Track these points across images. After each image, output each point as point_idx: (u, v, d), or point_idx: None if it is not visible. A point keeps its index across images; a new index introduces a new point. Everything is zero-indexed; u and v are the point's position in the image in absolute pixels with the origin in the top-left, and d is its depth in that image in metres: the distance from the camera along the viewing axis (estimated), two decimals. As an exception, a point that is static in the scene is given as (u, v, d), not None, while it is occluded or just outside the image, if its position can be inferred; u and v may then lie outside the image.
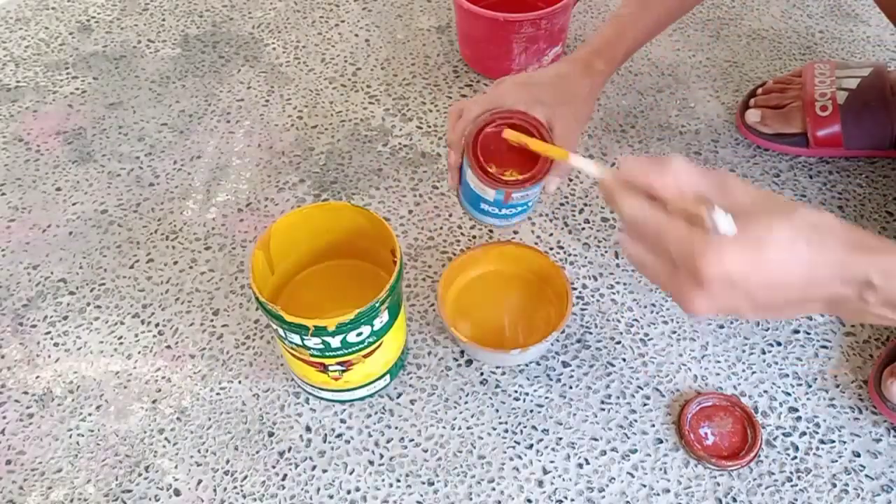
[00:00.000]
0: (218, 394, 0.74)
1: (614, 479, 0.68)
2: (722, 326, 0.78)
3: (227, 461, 0.70)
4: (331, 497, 0.68)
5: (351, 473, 0.69)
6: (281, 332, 0.64)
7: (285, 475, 0.69)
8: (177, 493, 0.68)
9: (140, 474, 0.69)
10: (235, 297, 0.81)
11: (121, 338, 0.78)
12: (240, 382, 0.75)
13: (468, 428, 0.71)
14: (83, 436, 0.72)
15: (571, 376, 0.75)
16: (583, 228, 0.86)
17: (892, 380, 0.69)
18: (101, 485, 0.69)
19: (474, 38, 0.99)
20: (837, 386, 0.73)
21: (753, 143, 0.93)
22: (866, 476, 0.68)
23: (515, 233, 0.85)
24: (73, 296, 0.82)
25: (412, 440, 0.71)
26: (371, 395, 0.73)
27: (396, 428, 0.72)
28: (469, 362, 0.76)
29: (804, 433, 0.70)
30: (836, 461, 0.69)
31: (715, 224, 0.44)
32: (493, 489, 0.68)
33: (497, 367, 0.75)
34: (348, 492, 0.68)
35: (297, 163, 0.93)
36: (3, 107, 1.01)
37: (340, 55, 1.06)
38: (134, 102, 1.01)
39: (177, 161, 0.94)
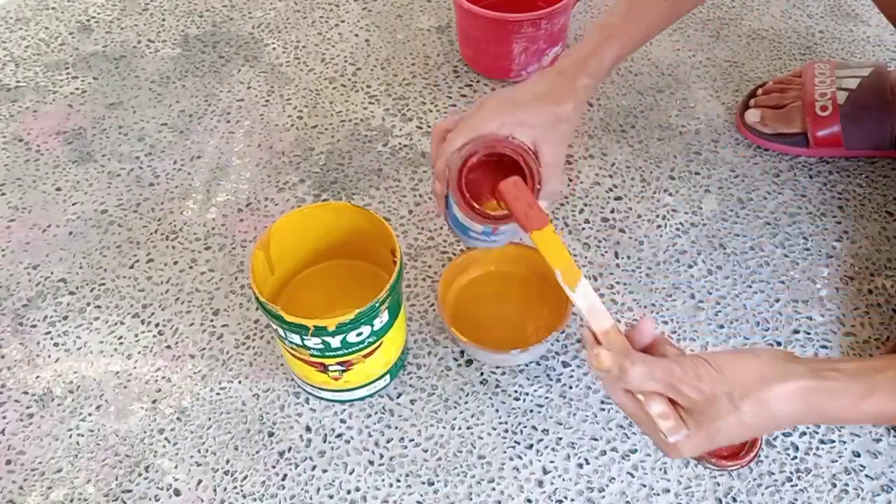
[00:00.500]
0: (218, 394, 0.74)
1: (614, 479, 0.68)
2: (722, 326, 0.78)
3: (227, 461, 0.70)
4: (331, 497, 0.68)
5: (351, 473, 0.69)
6: (281, 332, 0.64)
7: (285, 475, 0.69)
8: (177, 493, 0.68)
9: (140, 474, 0.69)
10: (235, 297, 0.81)
11: (121, 338, 0.78)
12: (240, 382, 0.75)
13: (468, 428, 0.71)
14: (83, 436, 0.72)
15: (571, 376, 0.75)
16: (583, 228, 0.86)
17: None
18: (101, 485, 0.69)
19: (474, 38, 0.99)
20: (837, 386, 0.73)
21: (753, 143, 0.93)
22: (866, 476, 0.68)
23: (515, 233, 0.85)
24: (73, 296, 0.82)
25: (412, 440, 0.71)
26: (371, 395, 0.73)
27: (396, 428, 0.72)
28: (469, 362, 0.76)
29: (804, 433, 0.70)
30: (836, 461, 0.69)
31: (665, 434, 0.52)
32: (493, 489, 0.68)
33: (497, 367, 0.75)
34: (348, 492, 0.68)
35: (297, 163, 0.93)
36: (3, 107, 1.01)
37: (340, 55, 1.06)
38: (134, 102, 1.01)
39: (177, 161, 0.94)
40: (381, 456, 0.70)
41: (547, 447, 0.70)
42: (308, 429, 0.72)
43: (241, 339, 0.78)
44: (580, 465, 0.69)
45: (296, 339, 0.64)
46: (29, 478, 0.70)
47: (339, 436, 0.71)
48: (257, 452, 0.70)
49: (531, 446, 0.70)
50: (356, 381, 0.70)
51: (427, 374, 0.75)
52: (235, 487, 0.68)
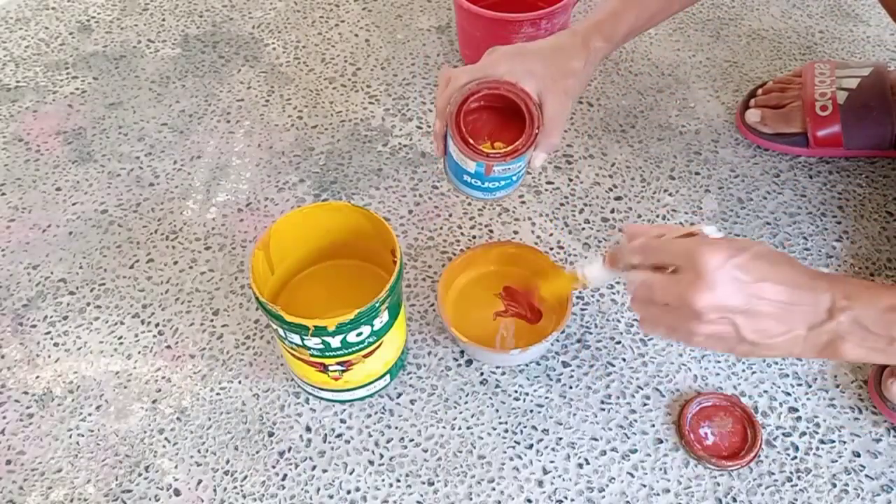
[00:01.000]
0: (218, 394, 0.74)
1: (614, 479, 0.68)
2: (722, 326, 0.78)
3: (227, 461, 0.70)
4: (331, 497, 0.68)
5: (351, 473, 0.69)
6: (281, 332, 0.64)
7: (285, 475, 0.69)
8: (177, 493, 0.68)
9: (140, 474, 0.69)
10: (235, 297, 0.81)
11: (121, 338, 0.78)
12: (240, 382, 0.75)
13: (468, 428, 0.71)
14: (83, 436, 0.72)
15: (571, 376, 0.75)
16: (583, 228, 0.86)
17: (892, 379, 0.69)
18: (101, 485, 0.69)
19: (474, 38, 0.99)
20: (837, 386, 0.73)
21: (753, 143, 0.93)
22: (866, 476, 0.68)
23: (515, 233, 0.85)
24: (73, 296, 0.82)
25: (412, 440, 0.71)
26: (371, 395, 0.73)
27: (396, 428, 0.72)
28: (469, 362, 0.76)
29: (804, 433, 0.70)
30: (836, 461, 0.69)
31: (707, 232, 0.55)
32: (493, 489, 0.68)
33: (497, 367, 0.75)
34: (348, 492, 0.68)
35: (297, 163, 0.93)
36: (3, 107, 1.01)
37: (340, 55, 1.06)
38: (134, 102, 1.01)
39: (177, 161, 0.94)
40: (381, 456, 0.70)
41: (547, 447, 0.70)
42: (308, 429, 0.72)
43: (241, 339, 0.78)
44: (580, 465, 0.69)
45: (296, 339, 0.64)
46: (29, 478, 0.70)
47: (339, 436, 0.71)
48: (257, 452, 0.70)
49: (531, 446, 0.70)
50: (356, 381, 0.70)
51: (427, 374, 0.75)
52: (235, 487, 0.68)
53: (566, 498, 0.67)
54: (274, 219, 0.80)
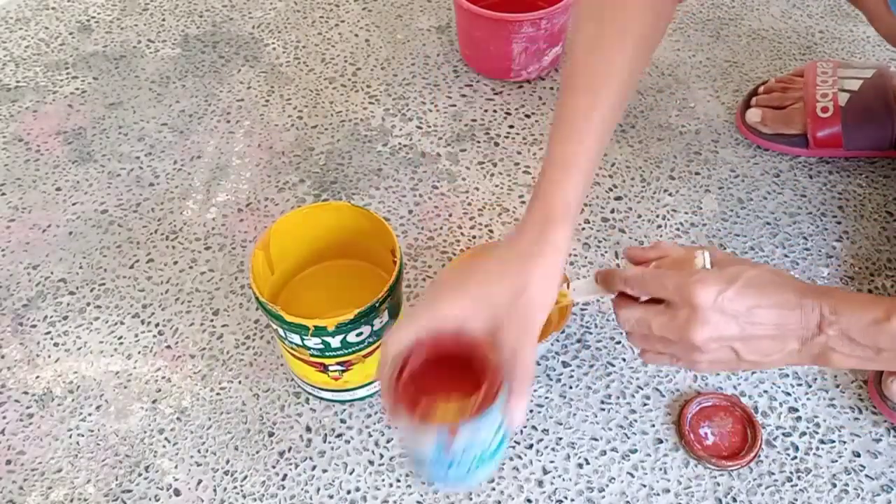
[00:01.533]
0: (218, 394, 0.74)
1: (614, 479, 0.68)
2: (722, 326, 0.78)
3: (227, 461, 0.70)
4: (331, 497, 0.68)
5: (351, 473, 0.69)
6: (281, 332, 0.64)
7: (285, 475, 0.69)
8: (177, 493, 0.68)
9: (140, 474, 0.69)
10: (235, 297, 0.81)
11: (121, 338, 0.78)
12: (240, 382, 0.75)
13: (468, 428, 0.71)
14: (83, 436, 0.72)
15: (571, 376, 0.75)
16: (583, 228, 0.86)
17: (892, 379, 0.69)
18: (101, 485, 0.69)
19: (474, 38, 0.99)
20: (837, 386, 0.73)
21: (753, 143, 0.93)
22: (866, 476, 0.68)
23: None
24: (73, 296, 0.82)
25: (412, 440, 0.71)
26: (371, 395, 0.73)
27: (396, 428, 0.72)
28: (469, 362, 0.76)
29: (804, 433, 0.70)
30: (836, 461, 0.69)
31: (704, 261, 0.57)
32: (493, 489, 0.68)
33: (497, 367, 0.75)
34: (348, 492, 0.68)
35: (297, 163, 0.93)
36: (3, 107, 1.01)
37: (340, 55, 1.06)
38: (134, 102, 1.01)
39: (177, 161, 0.94)
40: (381, 456, 0.70)
41: (547, 447, 0.70)
42: (308, 429, 0.72)
43: (241, 339, 0.78)
44: (580, 465, 0.69)
45: (296, 339, 0.64)
46: (29, 478, 0.70)
47: (339, 436, 0.71)
48: (257, 452, 0.70)
49: (531, 446, 0.70)
50: (356, 381, 0.70)
51: (427, 374, 0.75)
52: (235, 487, 0.68)
53: (566, 498, 0.67)
54: (274, 219, 0.80)
